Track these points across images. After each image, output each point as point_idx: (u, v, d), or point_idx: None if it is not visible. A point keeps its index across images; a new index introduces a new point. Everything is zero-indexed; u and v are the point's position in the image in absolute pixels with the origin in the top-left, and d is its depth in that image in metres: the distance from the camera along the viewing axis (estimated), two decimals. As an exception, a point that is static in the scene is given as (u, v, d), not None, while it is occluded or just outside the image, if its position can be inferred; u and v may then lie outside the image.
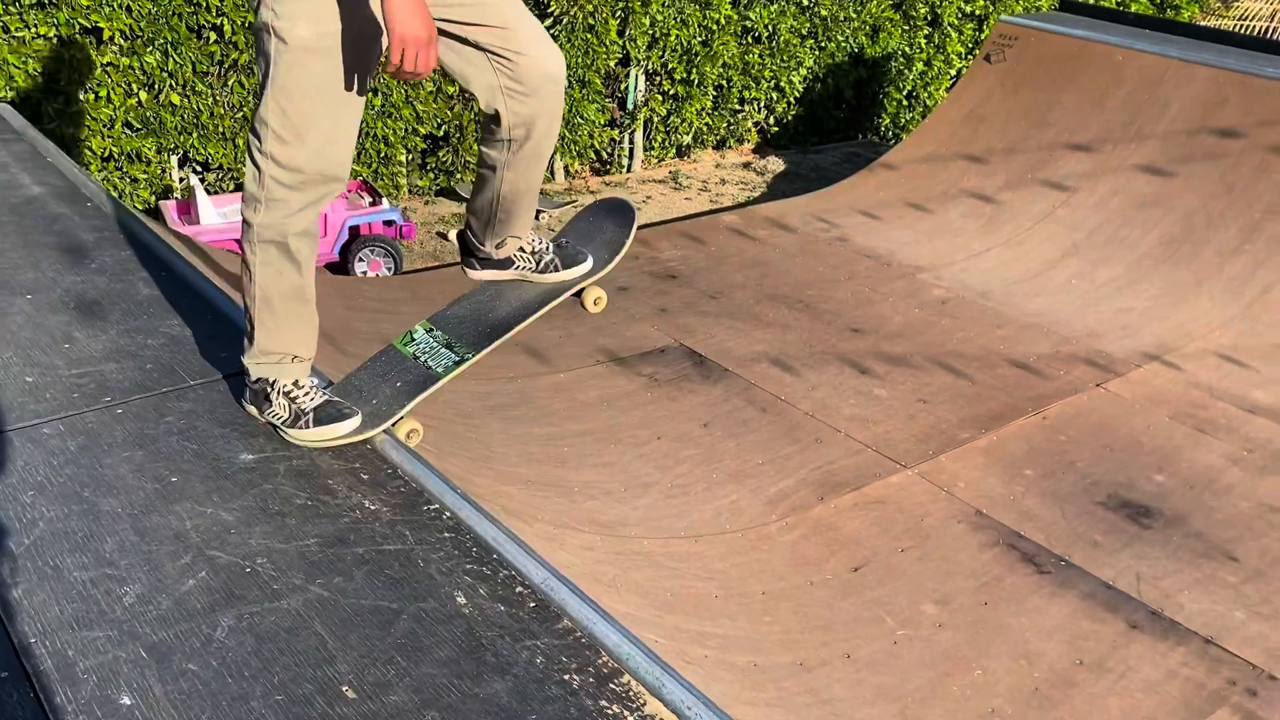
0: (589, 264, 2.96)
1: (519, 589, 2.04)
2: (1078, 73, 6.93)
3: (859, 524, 3.93)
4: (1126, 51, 6.83)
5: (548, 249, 3.01)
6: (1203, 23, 10.21)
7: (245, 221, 2.45)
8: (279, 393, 2.60)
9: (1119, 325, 5.55)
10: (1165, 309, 5.64)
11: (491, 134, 2.61)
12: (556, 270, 3.00)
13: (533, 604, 2.00)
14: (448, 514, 2.29)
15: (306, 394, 2.60)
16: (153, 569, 2.15)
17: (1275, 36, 9.65)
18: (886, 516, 3.98)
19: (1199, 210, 6.04)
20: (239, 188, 6.38)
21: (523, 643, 1.89)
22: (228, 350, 3.07)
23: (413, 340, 2.89)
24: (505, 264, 2.99)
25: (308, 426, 2.58)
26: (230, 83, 6.20)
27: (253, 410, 2.69)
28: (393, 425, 2.72)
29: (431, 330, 2.89)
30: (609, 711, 1.76)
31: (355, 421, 2.61)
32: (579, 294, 3.01)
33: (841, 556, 3.76)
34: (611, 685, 1.81)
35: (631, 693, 1.80)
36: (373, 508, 2.31)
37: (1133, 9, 10.81)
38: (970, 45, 9.34)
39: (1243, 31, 9.65)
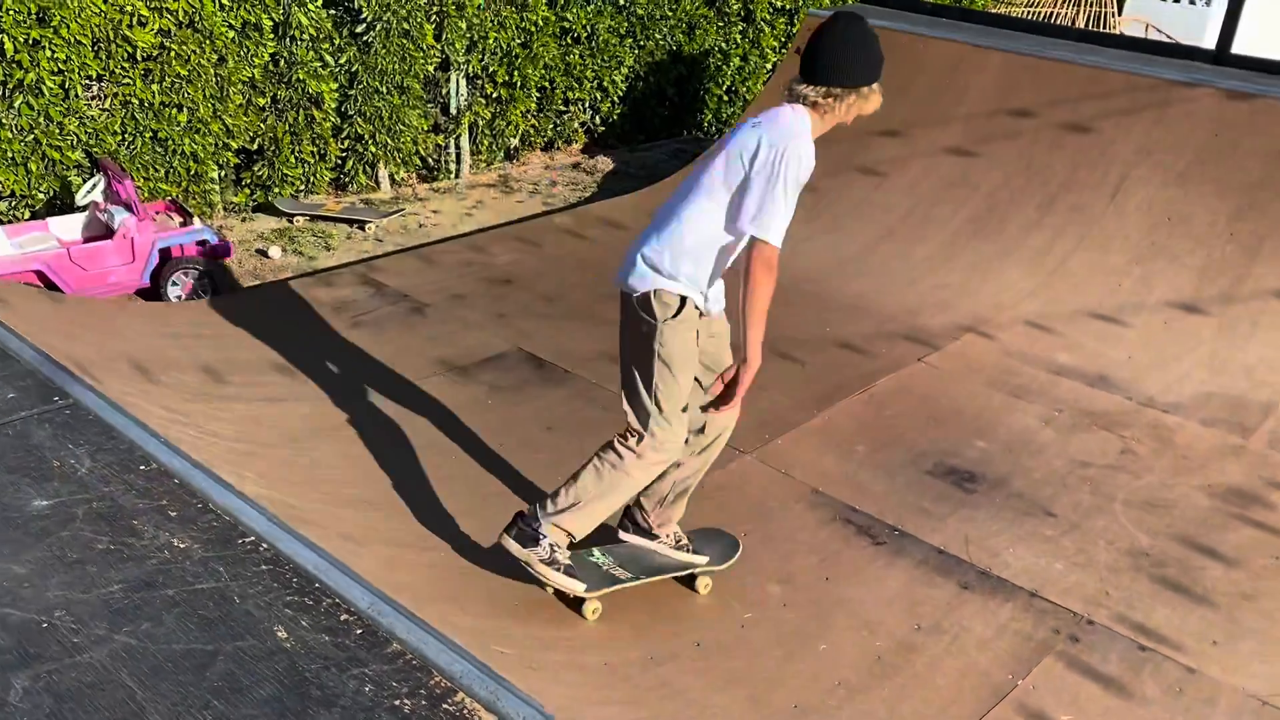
0: (706, 559, 3.58)
1: (344, 616, 1.96)
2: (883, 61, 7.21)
3: (703, 512, 3.98)
4: (927, 39, 7.15)
5: (685, 538, 3.59)
6: (994, 10, 10.82)
7: (639, 435, 3.22)
8: (549, 545, 3.22)
9: (936, 301, 5.81)
10: (977, 283, 5.93)
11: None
12: (689, 553, 3.56)
13: (359, 631, 1.92)
14: (265, 545, 2.18)
15: (564, 552, 3.27)
16: (-66, 636, 1.97)
17: (1057, 21, 10.32)
18: (729, 502, 4.05)
19: (1002, 187, 6.38)
20: (34, 216, 5.95)
21: (350, 672, 1.81)
22: (15, 391, 2.85)
23: (593, 555, 3.48)
24: (653, 538, 3.56)
25: (557, 572, 3.21)
26: (17, 104, 5.78)
27: (513, 545, 3.22)
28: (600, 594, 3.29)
29: (605, 553, 3.51)
30: (443, 732, 1.71)
31: (582, 587, 3.26)
32: (692, 580, 3.57)
33: (688, 547, 3.79)
34: (445, 706, 1.75)
35: (466, 710, 1.75)
36: (183, 546, 2.18)
37: (932, -1, 11.36)
38: (783, 39, 9.60)
39: (1030, 17, 10.28)
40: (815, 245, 6.45)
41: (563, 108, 8.47)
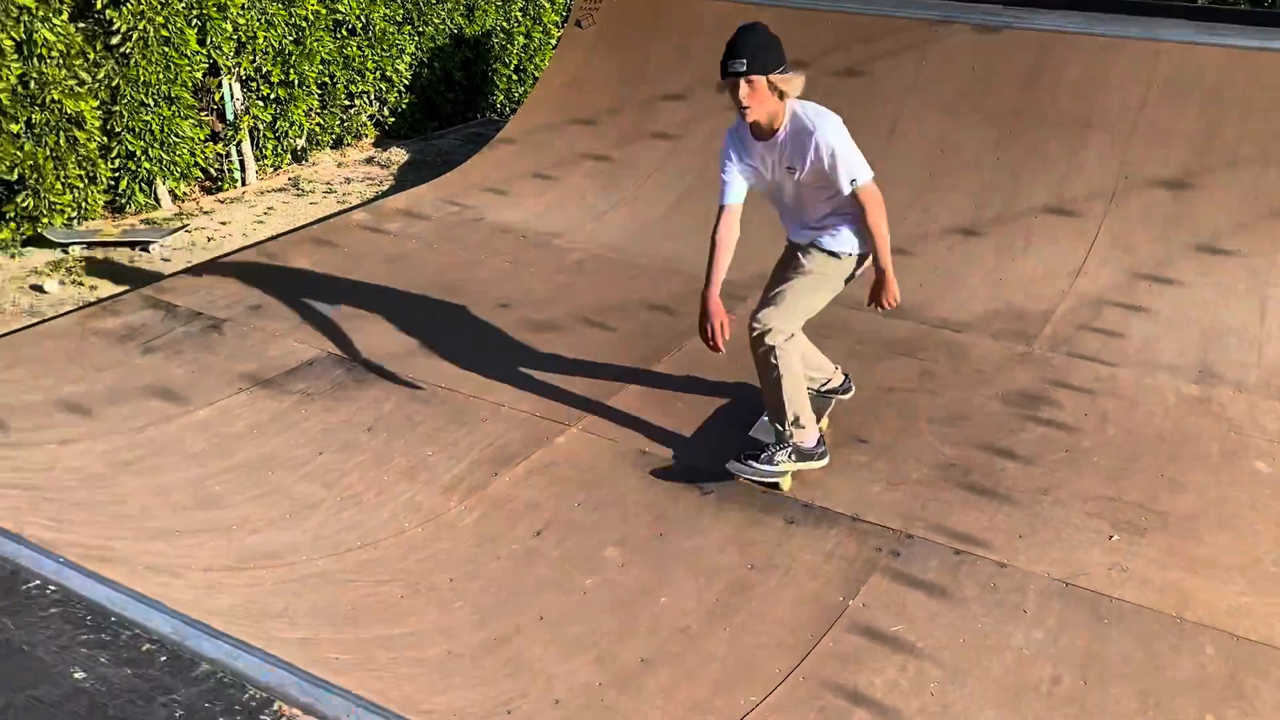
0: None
1: (146, 646, 1.86)
2: (662, 28, 7.33)
3: (534, 490, 3.99)
4: (702, 1, 7.29)
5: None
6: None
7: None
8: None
9: (740, 255, 5.94)
10: (770, 232, 6.12)
11: None
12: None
13: (164, 658, 1.83)
14: (52, 588, 2.05)
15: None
16: None
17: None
18: (560, 476, 4.06)
19: (788, 138, 6.59)
20: None
21: (157, 701, 1.73)
22: None
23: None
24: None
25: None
26: None
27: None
28: None
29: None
30: (263, 744, 1.66)
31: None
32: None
33: (522, 525, 3.80)
34: (262, 716, 1.70)
35: (284, 718, 1.70)
36: (-42, 602, 2.03)
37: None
38: (564, 13, 9.61)
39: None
40: (617, 215, 6.52)
41: (347, 102, 8.22)
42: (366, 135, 8.59)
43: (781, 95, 3.67)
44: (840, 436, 4.29)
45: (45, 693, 1.82)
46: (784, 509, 3.85)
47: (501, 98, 9.44)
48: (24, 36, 6.09)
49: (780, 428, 3.96)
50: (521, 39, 9.32)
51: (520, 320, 5.31)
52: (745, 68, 3.56)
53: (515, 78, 9.43)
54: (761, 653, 3.18)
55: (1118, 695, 3.00)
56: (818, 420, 4.14)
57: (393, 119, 8.67)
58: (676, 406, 4.51)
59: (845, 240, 3.94)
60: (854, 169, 3.72)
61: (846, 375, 4.49)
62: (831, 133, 3.71)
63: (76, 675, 1.84)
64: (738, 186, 3.90)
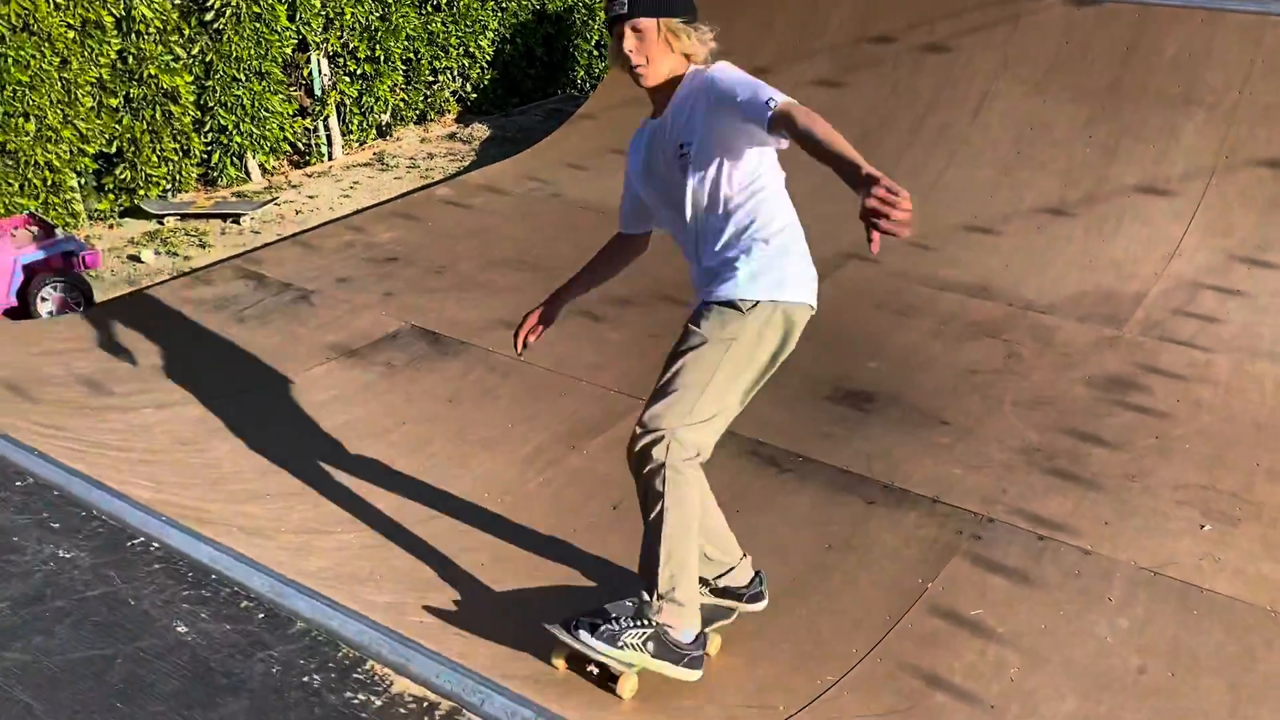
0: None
1: (245, 603, 1.93)
2: (744, 2, 7.25)
3: (612, 463, 4.01)
4: (786, -24, 7.20)
5: None
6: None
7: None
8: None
9: (819, 232, 5.78)
10: (856, 209, 6.05)
11: None
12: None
13: (261, 615, 1.90)
14: (155, 544, 2.14)
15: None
16: None
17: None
18: (637, 451, 4.08)
19: (871, 114, 6.50)
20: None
21: (255, 656, 1.79)
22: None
23: None
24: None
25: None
26: None
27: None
28: None
29: None
30: (355, 700, 1.71)
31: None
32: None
33: (600, 498, 3.83)
34: (355, 675, 1.75)
35: (376, 677, 1.75)
36: (69, 556, 2.12)
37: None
38: (648, -12, 9.58)
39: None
40: (698, 190, 6.49)
41: (431, 78, 8.32)
42: (449, 111, 8.69)
43: (687, 56, 2.69)
44: (921, 418, 4.23)
45: (150, 645, 1.90)
46: (863, 490, 3.82)
47: (582, 74, 9.45)
48: (124, 13, 6.29)
49: (646, 595, 2.66)
50: (603, 14, 9.31)
51: (599, 296, 5.30)
52: (626, 8, 2.58)
53: (596, 54, 9.42)
54: (839, 632, 3.17)
55: (1207, 688, 2.93)
56: (708, 626, 2.85)
57: (475, 95, 8.75)
58: (755, 384, 4.49)
59: (744, 283, 2.75)
60: (762, 90, 2.54)
61: (758, 573, 3.11)
62: (724, 69, 2.66)
63: (179, 629, 1.92)
64: (632, 212, 3.04)
